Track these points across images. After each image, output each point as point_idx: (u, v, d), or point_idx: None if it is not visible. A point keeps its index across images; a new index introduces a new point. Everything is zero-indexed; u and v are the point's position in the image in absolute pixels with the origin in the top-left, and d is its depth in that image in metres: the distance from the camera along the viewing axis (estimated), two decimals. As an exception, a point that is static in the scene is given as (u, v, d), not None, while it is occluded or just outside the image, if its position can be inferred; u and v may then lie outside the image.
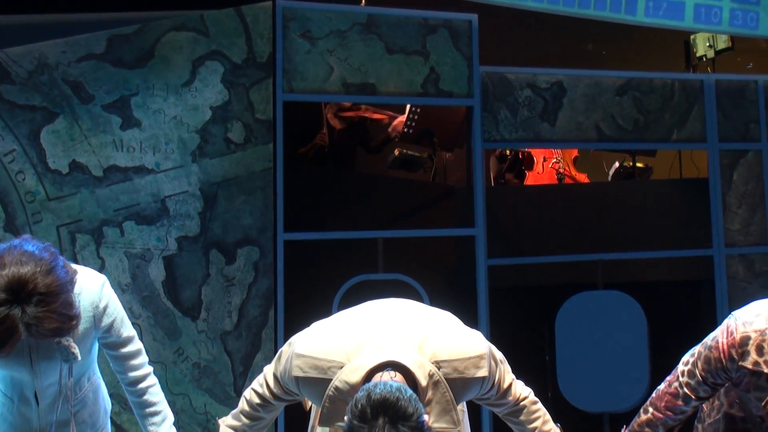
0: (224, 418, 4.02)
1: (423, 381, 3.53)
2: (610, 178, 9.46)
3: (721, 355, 3.73)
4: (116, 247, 7.02)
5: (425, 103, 7.71)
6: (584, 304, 7.32)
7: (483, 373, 3.69)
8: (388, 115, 8.86)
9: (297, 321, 7.11)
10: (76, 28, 7.41)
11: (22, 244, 3.67)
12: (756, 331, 3.65)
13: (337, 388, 3.56)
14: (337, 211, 7.72)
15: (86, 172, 7.04)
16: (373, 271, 7.33)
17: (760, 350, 3.63)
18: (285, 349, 3.82)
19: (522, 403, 3.94)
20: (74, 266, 3.82)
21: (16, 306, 3.53)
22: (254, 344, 7.01)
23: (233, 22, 7.27)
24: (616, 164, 9.44)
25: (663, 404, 3.96)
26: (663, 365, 7.17)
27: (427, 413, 3.45)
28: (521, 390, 3.96)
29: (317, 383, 3.66)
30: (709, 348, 3.79)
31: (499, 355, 3.88)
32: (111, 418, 4.38)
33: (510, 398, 3.91)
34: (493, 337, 4.22)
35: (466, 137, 7.68)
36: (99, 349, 4.14)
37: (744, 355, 3.66)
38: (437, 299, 7.07)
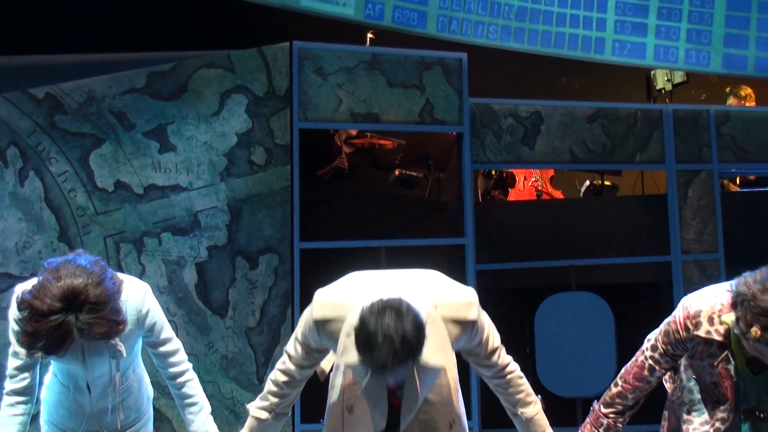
0: (252, 403, 4.00)
1: (423, 318, 3.52)
2: (581, 195, 9.47)
3: (679, 327, 3.79)
4: (155, 255, 7.03)
5: (421, 130, 7.71)
6: (559, 304, 7.31)
7: (473, 316, 3.70)
8: (392, 141, 8.88)
9: (311, 318, 7.13)
10: (120, 66, 7.43)
11: (76, 258, 3.69)
12: (707, 305, 3.71)
13: (351, 325, 3.53)
14: (345, 223, 7.73)
15: (129, 190, 7.05)
16: (376, 275, 7.33)
17: (711, 321, 3.71)
18: (305, 311, 3.78)
19: (509, 376, 3.91)
20: (120, 276, 3.85)
21: (70, 313, 3.56)
22: (274, 339, 7.01)
23: (256, 61, 7.29)
24: (587, 182, 9.45)
25: (631, 377, 3.98)
26: (628, 356, 7.18)
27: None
28: (508, 360, 3.92)
29: (335, 323, 3.63)
30: (668, 323, 3.86)
31: (489, 320, 3.86)
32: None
33: (496, 360, 3.88)
34: (481, 332, 4.23)
35: (457, 159, 7.69)
36: (143, 346, 4.15)
37: (697, 325, 3.72)
38: (432, 299, 7.08)
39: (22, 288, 3.77)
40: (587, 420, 4.10)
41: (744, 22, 7.42)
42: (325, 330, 3.69)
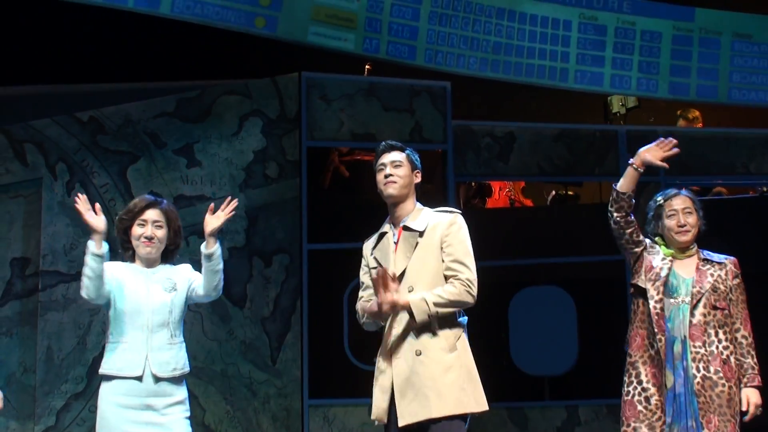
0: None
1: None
2: (548, 203, 9.48)
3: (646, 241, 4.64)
4: (183, 255, 6.96)
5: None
6: (530, 297, 7.33)
7: (458, 213, 4.29)
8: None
9: (317, 309, 7.17)
10: (153, 93, 7.48)
11: None
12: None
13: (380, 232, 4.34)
14: (347, 227, 7.75)
15: (161, 199, 7.08)
16: (373, 272, 7.35)
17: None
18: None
19: (458, 280, 4.12)
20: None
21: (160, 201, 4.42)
22: (286, 327, 7.03)
23: (270, 88, 7.33)
24: (553, 192, 9.44)
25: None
26: (587, 341, 7.24)
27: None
28: (470, 276, 4.16)
29: (371, 239, 4.40)
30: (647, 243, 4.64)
31: (467, 242, 4.24)
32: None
33: (452, 259, 4.15)
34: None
35: (442, 173, 7.71)
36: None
37: (653, 249, 4.59)
38: (421, 293, 7.08)
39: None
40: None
41: (687, 55, 7.47)
42: (368, 246, 4.38)
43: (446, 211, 4.32)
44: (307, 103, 7.30)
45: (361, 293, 4.37)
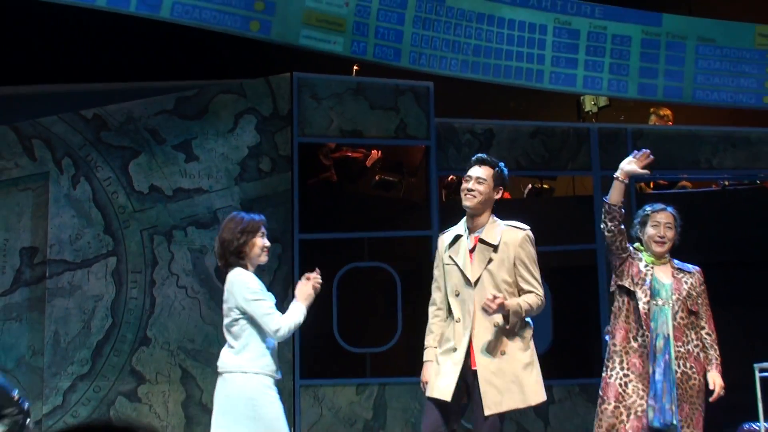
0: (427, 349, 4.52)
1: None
2: (525, 195, 9.53)
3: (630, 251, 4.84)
4: (182, 245, 7.08)
5: (397, 144, 7.78)
6: (507, 283, 7.37)
7: (528, 231, 4.47)
8: (362, 153, 8.89)
9: (308, 295, 7.15)
10: (154, 92, 7.47)
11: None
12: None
13: (456, 233, 4.52)
14: (336, 218, 7.78)
15: (161, 192, 7.10)
16: (360, 260, 7.39)
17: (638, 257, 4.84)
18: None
19: (536, 295, 4.44)
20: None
21: None
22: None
23: (263, 88, 7.34)
24: (530, 186, 9.50)
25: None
26: (561, 325, 7.28)
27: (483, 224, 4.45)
28: (542, 291, 4.47)
29: (448, 231, 4.61)
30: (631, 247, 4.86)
31: (536, 258, 4.53)
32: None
33: (527, 278, 4.44)
34: (444, 306, 4.30)
35: (425, 167, 7.74)
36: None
37: (636, 255, 4.83)
38: (405, 281, 7.13)
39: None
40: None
41: (654, 57, 7.52)
42: (443, 238, 4.56)
43: (517, 227, 4.51)
44: (299, 102, 7.31)
45: (433, 296, 4.55)
